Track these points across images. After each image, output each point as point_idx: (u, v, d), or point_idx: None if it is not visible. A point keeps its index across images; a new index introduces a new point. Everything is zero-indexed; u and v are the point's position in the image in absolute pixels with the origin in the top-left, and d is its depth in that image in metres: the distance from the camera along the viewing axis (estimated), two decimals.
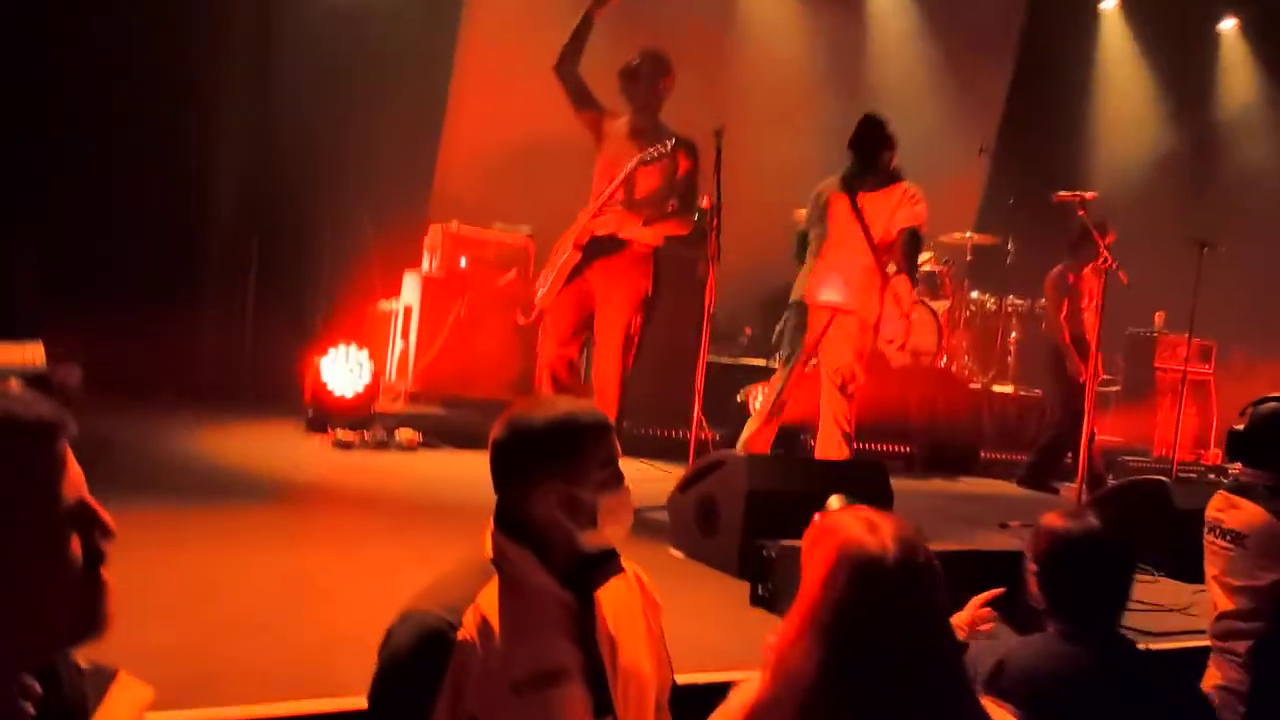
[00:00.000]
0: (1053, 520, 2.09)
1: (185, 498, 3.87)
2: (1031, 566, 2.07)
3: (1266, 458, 2.71)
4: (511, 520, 1.66)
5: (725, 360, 7.83)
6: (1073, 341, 6.54)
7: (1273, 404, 2.75)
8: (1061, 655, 1.96)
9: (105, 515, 1.01)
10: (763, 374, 7.33)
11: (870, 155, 4.75)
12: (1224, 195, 10.19)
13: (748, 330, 9.26)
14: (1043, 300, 8.57)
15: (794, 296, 4.93)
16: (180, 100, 6.48)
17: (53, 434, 0.99)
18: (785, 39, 9.46)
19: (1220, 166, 10.67)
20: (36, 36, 5.99)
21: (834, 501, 1.98)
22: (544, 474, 1.63)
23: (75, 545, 0.98)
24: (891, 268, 4.80)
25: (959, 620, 2.22)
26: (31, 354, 3.38)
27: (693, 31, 8.42)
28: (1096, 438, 6.59)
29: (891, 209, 4.69)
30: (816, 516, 1.86)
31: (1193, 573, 3.66)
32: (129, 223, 6.20)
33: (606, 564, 1.67)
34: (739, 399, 7.09)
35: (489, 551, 1.64)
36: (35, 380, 3.20)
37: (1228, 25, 10.97)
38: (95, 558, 1.00)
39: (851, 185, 4.73)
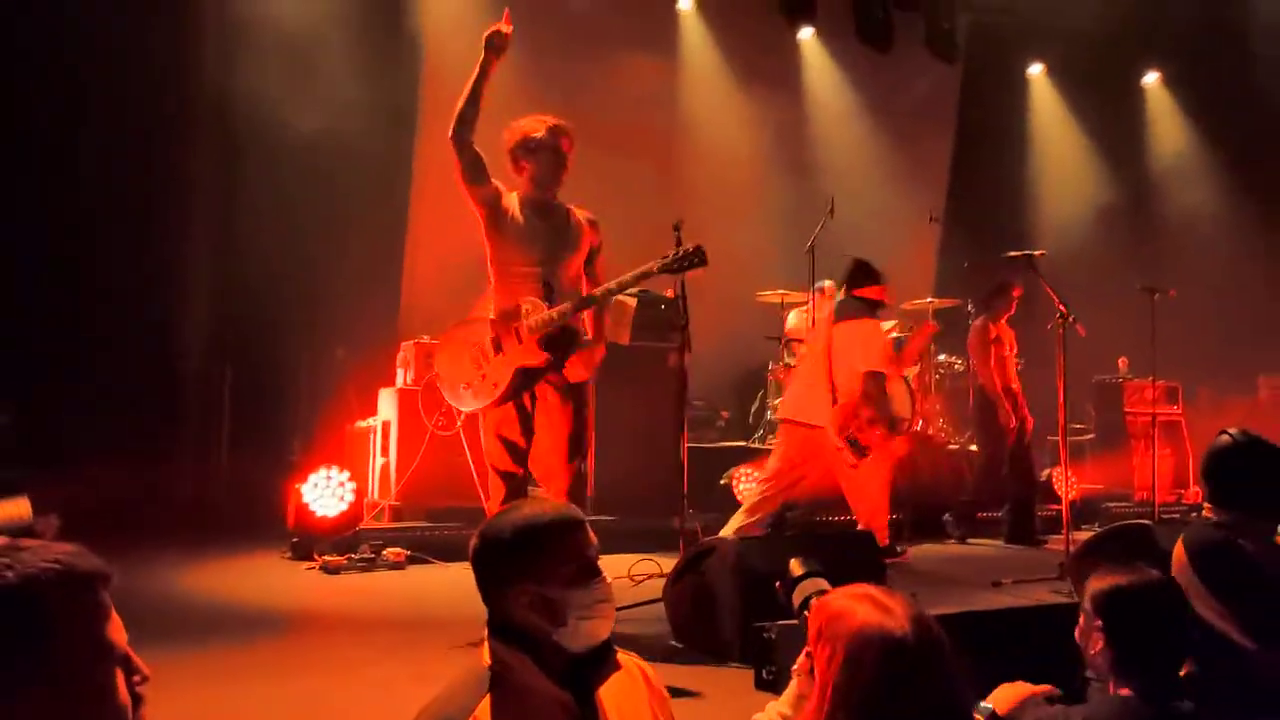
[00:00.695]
0: (1113, 578, 2.01)
1: (178, 638, 3.82)
2: (1096, 623, 1.98)
3: (1216, 495, 2.71)
4: (502, 626, 1.69)
5: (705, 445, 7.89)
6: (1004, 391, 6.90)
7: (1221, 438, 2.72)
8: (1145, 717, 1.90)
9: (139, 661, 1.05)
10: (743, 455, 7.39)
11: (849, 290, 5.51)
12: (1165, 241, 10.55)
13: (724, 414, 9.34)
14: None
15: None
16: (148, 240, 6.60)
17: (103, 583, 1.03)
18: (729, 127, 9.77)
19: (1159, 214, 11.07)
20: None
21: (795, 566, 1.99)
22: (513, 576, 1.67)
23: (123, 689, 1.01)
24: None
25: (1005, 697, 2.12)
26: (19, 509, 3.38)
27: (639, 127, 8.70)
28: (1076, 483, 6.78)
29: (856, 342, 5.26)
30: (778, 585, 1.89)
31: None
32: (100, 365, 6.23)
33: (602, 661, 1.69)
34: (723, 482, 7.12)
35: (487, 660, 1.66)
36: (23, 535, 3.19)
37: (1150, 79, 11.49)
38: (137, 701, 1.03)
39: (837, 313, 5.44)
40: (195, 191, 7.10)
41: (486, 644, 1.68)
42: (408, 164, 8.13)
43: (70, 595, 1.00)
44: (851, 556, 3.70)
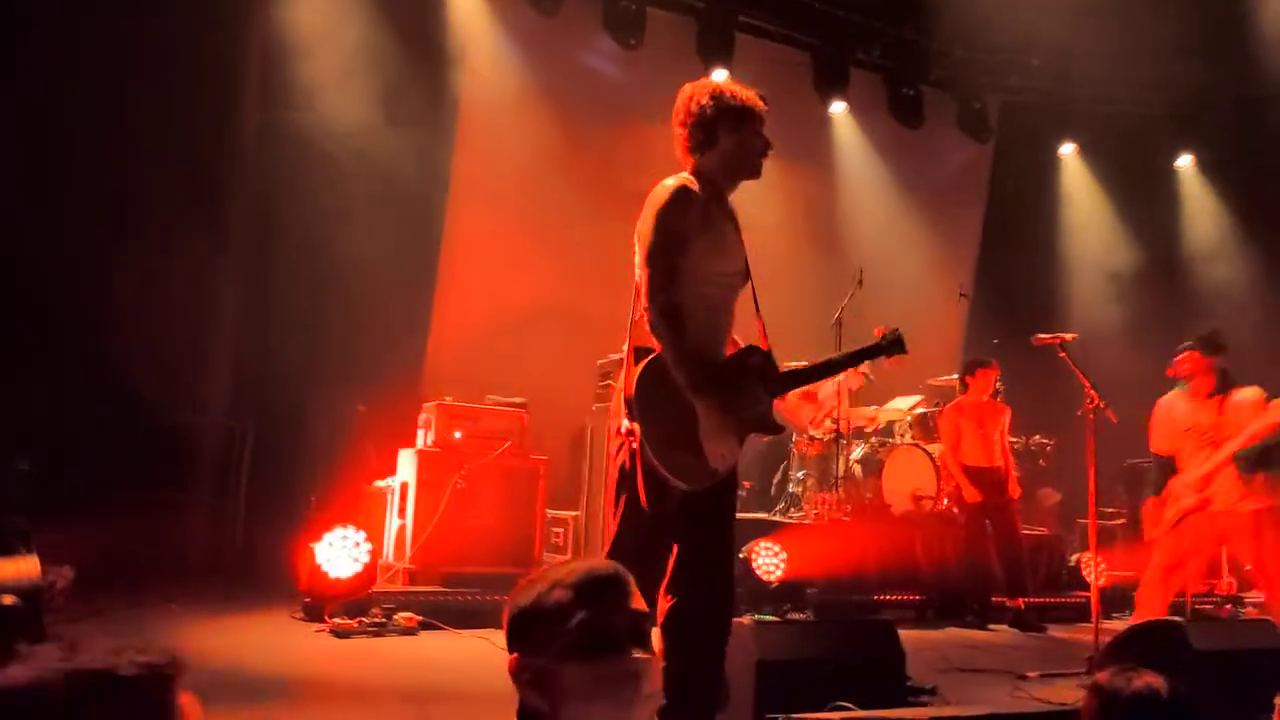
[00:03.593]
0: (1109, 680, 1.97)
1: None
2: None
3: None
4: (520, 712, 1.48)
5: None
6: (965, 470, 7.08)
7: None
8: None
9: None
10: (765, 528, 7.26)
11: None
12: (1193, 323, 10.41)
13: (746, 484, 9.23)
14: (1037, 436, 8.63)
15: None
16: (174, 292, 6.67)
17: (164, 685, 0.95)
18: (758, 198, 9.78)
19: (1189, 294, 10.96)
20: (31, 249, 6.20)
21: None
22: (515, 646, 1.47)
23: None
24: None
25: None
26: (28, 567, 3.34)
27: None
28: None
29: None
30: None
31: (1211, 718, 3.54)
32: (121, 416, 6.25)
33: None
34: (741, 555, 6.99)
35: None
36: (31, 594, 3.17)
37: (1183, 161, 11.46)
38: None
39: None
40: (224, 246, 7.20)
41: None
42: (439, 225, 8.22)
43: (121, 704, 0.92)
44: (871, 644, 3.58)
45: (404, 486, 6.39)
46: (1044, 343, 5.31)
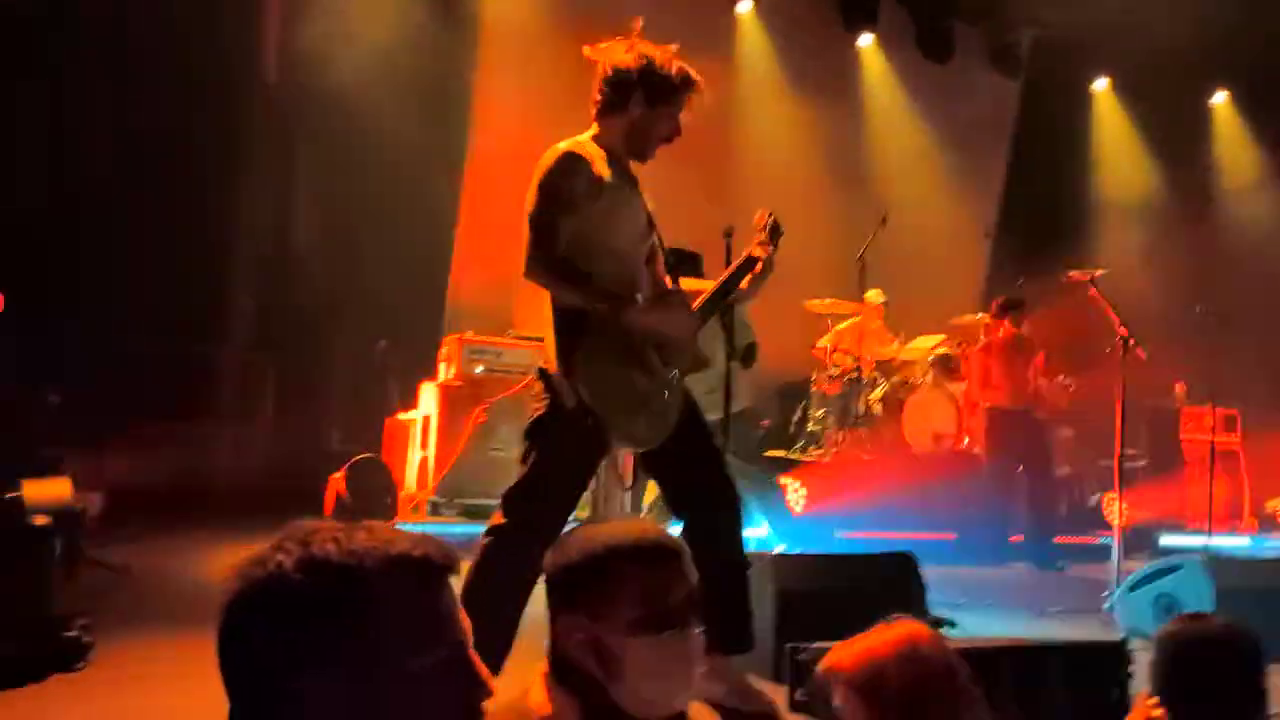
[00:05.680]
0: (1175, 627, 1.98)
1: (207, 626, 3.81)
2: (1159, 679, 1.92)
3: None
4: (558, 662, 1.42)
5: None
6: (989, 410, 7.02)
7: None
8: None
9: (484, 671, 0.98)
10: (782, 465, 7.28)
11: None
12: (1227, 263, 10.25)
13: (764, 423, 9.23)
14: (1060, 377, 8.55)
15: None
16: (196, 225, 6.66)
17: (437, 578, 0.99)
18: (783, 132, 9.66)
19: (1222, 235, 10.78)
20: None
21: None
22: (568, 606, 1.41)
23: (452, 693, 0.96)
24: None
25: None
26: (60, 488, 3.38)
27: (691, 129, 8.56)
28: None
29: None
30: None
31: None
32: (145, 349, 6.29)
33: None
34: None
35: (532, 699, 1.40)
36: (66, 517, 3.21)
37: (1219, 98, 11.18)
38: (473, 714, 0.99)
39: None
40: (249, 183, 7.17)
41: (542, 679, 1.43)
42: (460, 157, 8.11)
43: (395, 583, 0.93)
44: (891, 576, 3.59)
45: (426, 420, 6.44)
46: (1076, 280, 5.23)
